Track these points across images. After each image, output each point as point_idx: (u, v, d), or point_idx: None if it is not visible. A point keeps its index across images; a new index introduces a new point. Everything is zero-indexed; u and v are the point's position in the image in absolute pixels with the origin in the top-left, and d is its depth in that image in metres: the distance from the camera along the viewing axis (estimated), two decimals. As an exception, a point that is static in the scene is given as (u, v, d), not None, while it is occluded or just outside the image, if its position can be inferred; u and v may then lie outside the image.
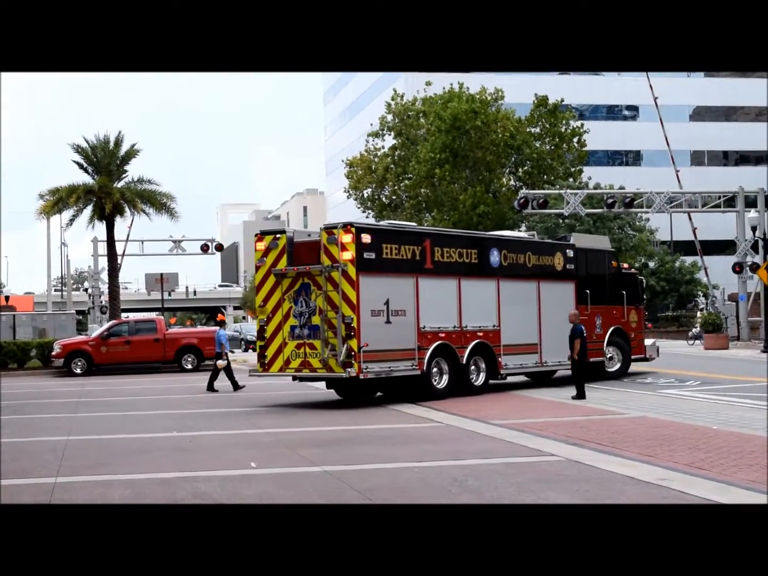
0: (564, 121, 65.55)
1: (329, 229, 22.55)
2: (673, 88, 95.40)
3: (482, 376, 25.33)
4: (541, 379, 28.80)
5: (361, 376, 22.03)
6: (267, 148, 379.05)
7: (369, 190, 72.29)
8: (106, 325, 46.24)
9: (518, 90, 74.10)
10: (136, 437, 17.83)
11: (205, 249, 58.95)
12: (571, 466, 12.95)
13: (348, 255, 21.99)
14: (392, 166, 69.56)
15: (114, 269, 55.65)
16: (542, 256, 27.61)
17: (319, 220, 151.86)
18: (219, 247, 60.89)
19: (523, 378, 28.98)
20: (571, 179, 63.41)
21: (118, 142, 57.17)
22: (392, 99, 70.54)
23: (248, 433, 18.16)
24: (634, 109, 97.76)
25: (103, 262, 57.87)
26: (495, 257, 26.04)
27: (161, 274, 60.20)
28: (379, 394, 25.18)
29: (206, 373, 40.48)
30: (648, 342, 32.50)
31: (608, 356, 29.69)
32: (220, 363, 29.21)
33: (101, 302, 59.51)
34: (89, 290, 64.71)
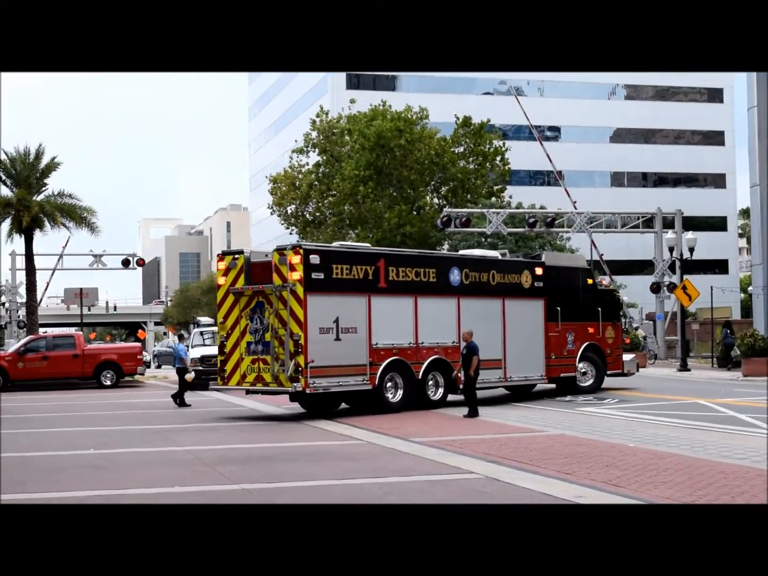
0: (488, 141, 66.10)
1: (280, 251, 23.53)
2: (594, 110, 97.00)
3: (440, 391, 25.89)
4: (521, 392, 29.59)
5: (308, 391, 22.89)
6: (190, 163, 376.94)
7: (293, 206, 72.09)
8: (23, 340, 45.44)
9: (442, 110, 74.64)
10: (53, 455, 17.57)
11: (126, 264, 58.38)
12: (490, 484, 13.04)
13: (296, 275, 22.94)
14: (316, 182, 69.47)
15: (32, 283, 54.87)
16: (508, 275, 28.06)
17: (243, 236, 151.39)
18: (140, 262, 60.36)
19: (499, 392, 29.70)
20: (493, 198, 63.93)
21: (39, 155, 56.50)
22: (317, 116, 70.54)
23: (167, 450, 17.99)
24: (556, 129, 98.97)
25: (21, 276, 57.03)
26: (455, 276, 26.61)
27: (80, 289, 59.39)
28: (344, 405, 25.60)
29: (126, 389, 40.11)
30: (627, 357, 33.12)
31: (582, 371, 30.19)
32: (189, 376, 29.46)
33: (18, 317, 58.60)
34: (6, 304, 63.63)
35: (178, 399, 29.00)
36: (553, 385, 30.26)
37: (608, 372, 31.21)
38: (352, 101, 69.80)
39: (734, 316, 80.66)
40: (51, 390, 39.71)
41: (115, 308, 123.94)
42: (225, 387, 24.91)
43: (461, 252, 31.61)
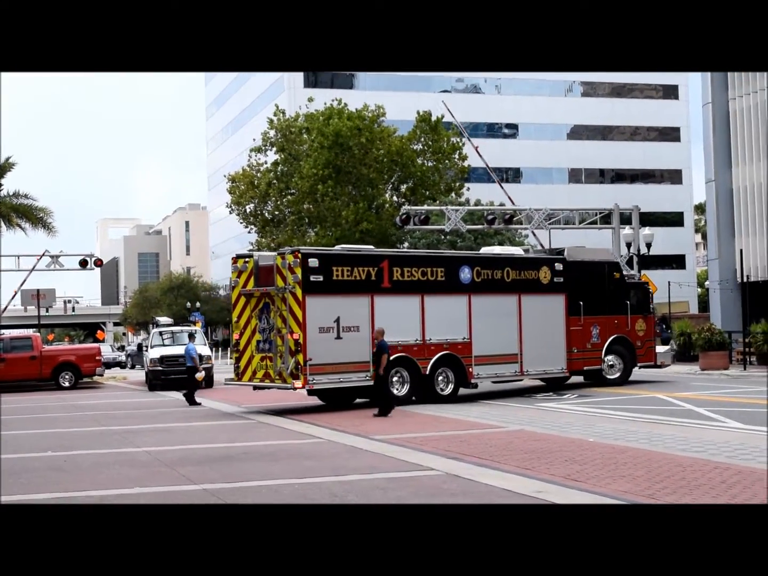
0: (446, 138, 66.12)
1: (282, 254, 24.86)
2: (551, 107, 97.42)
3: (450, 386, 26.76)
4: (553, 384, 30.46)
5: (307, 387, 24.27)
6: (148, 163, 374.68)
7: (251, 205, 71.75)
8: (-21, 343, 44.91)
9: (400, 108, 74.66)
10: (10, 457, 17.37)
11: (83, 264, 57.81)
12: (451, 480, 13.04)
13: (295, 278, 24.14)
14: (275, 181, 69.17)
15: (-12, 285, 54.29)
16: (524, 271, 28.68)
17: (202, 235, 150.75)
18: (98, 263, 59.74)
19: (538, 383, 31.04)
20: (452, 195, 63.98)
21: (-7, 155, 55.86)
22: (274, 114, 70.27)
23: (126, 451, 17.85)
24: (513, 126, 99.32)
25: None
26: (466, 274, 27.36)
27: (38, 290, 58.90)
28: (359, 400, 26.33)
29: (85, 391, 39.78)
30: (661, 349, 33.68)
31: (609, 364, 30.62)
32: (200, 375, 29.85)
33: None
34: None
35: (190, 398, 28.96)
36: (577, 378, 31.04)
37: (640, 364, 31.67)
38: (310, 99, 69.61)
39: (692, 311, 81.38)
40: (8, 392, 39.25)
41: (73, 309, 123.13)
42: (239, 383, 26.22)
43: (483, 250, 32.30)
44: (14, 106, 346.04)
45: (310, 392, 25.77)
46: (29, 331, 77.79)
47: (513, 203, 53.10)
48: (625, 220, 44.07)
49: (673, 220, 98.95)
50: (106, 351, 76.55)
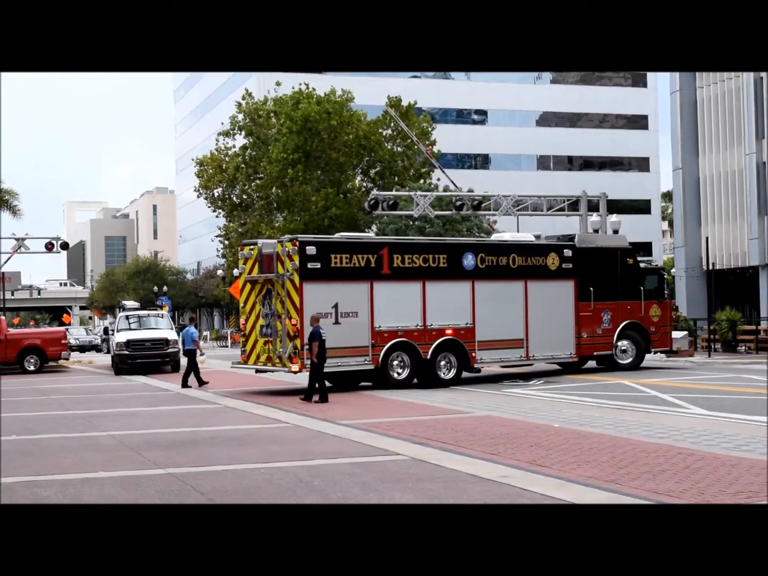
0: (416, 124, 66.03)
1: (282, 242, 25.68)
2: (520, 94, 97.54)
3: (452, 371, 27.23)
4: (571, 368, 30.67)
5: (304, 371, 24.44)
6: (116, 146, 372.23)
7: (219, 189, 71.49)
8: (-57, 326, 44.53)
9: (369, 93, 74.49)
10: (-26, 441, 17.26)
11: (49, 247, 57.29)
12: (417, 465, 13.08)
13: (293, 265, 24.91)
14: (243, 165, 68.93)
15: (-47, 268, 53.87)
16: (531, 257, 29.08)
17: (170, 219, 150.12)
18: (64, 246, 59.25)
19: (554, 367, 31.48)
20: (421, 181, 63.96)
21: (-42, 137, 55.38)
22: (243, 98, 69.98)
23: (91, 435, 17.77)
24: (482, 113, 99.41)
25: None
26: (470, 260, 27.83)
27: (2, 273, 58.41)
28: (364, 383, 27.02)
29: (50, 374, 39.54)
30: (678, 335, 34.02)
31: (622, 349, 30.86)
32: (202, 359, 30.27)
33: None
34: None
35: (186, 380, 29.00)
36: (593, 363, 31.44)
37: (655, 350, 31.94)
38: (278, 84, 69.32)
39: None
40: (-27, 376, 39.00)
41: (39, 292, 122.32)
42: (245, 366, 27.07)
43: (492, 237, 32.61)
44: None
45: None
46: (-6, 315, 77.23)
47: (457, 188, 53.20)
48: (593, 207, 44.14)
49: (641, 207, 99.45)
50: (81, 334, 76.10)
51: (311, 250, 25.29)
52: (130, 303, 50.22)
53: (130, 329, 40.15)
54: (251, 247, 26.80)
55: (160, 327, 40.56)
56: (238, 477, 12.55)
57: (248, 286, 26.72)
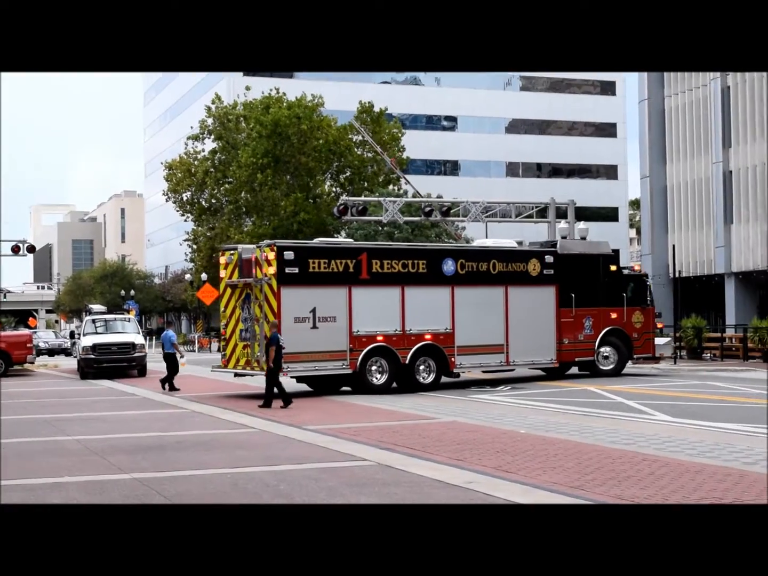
0: (387, 131, 66.06)
1: (260, 247, 25.90)
2: (490, 101, 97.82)
3: (431, 376, 27.37)
4: (554, 373, 30.68)
5: (281, 374, 24.11)
6: (84, 148, 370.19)
7: (188, 193, 71.30)
8: None
9: (339, 98, 74.49)
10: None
11: (16, 250, 56.92)
12: (383, 471, 13.07)
13: (271, 270, 25.22)
14: (212, 170, 68.79)
15: None
16: (511, 263, 29.14)
17: (137, 222, 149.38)
18: (31, 249, 58.87)
19: (535, 372, 31.46)
20: (390, 187, 63.99)
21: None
22: (212, 102, 69.83)
23: (56, 440, 17.65)
24: (452, 119, 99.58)
25: None
26: (449, 266, 27.97)
27: (-31, 276, 57.89)
28: (344, 388, 27.03)
29: (15, 378, 39.20)
30: (661, 341, 34.18)
31: (604, 355, 30.89)
32: (183, 361, 30.09)
33: None
34: None
35: (165, 383, 28.91)
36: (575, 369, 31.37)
37: (637, 356, 31.95)
38: (248, 88, 69.23)
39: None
40: (-63, 379, 38.63)
41: (5, 295, 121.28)
42: (225, 369, 27.24)
43: (475, 243, 32.63)
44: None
45: (299, 379, 27.06)
46: (-41, 318, 76.53)
47: (420, 195, 53.33)
48: (561, 214, 44.31)
49: (608, 215, 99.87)
50: (50, 338, 75.39)
51: (289, 255, 25.46)
52: (96, 307, 49.87)
53: (96, 333, 39.89)
54: (231, 252, 27.07)
55: (127, 331, 40.31)
56: (203, 482, 12.51)
57: (228, 290, 26.95)
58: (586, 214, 74.18)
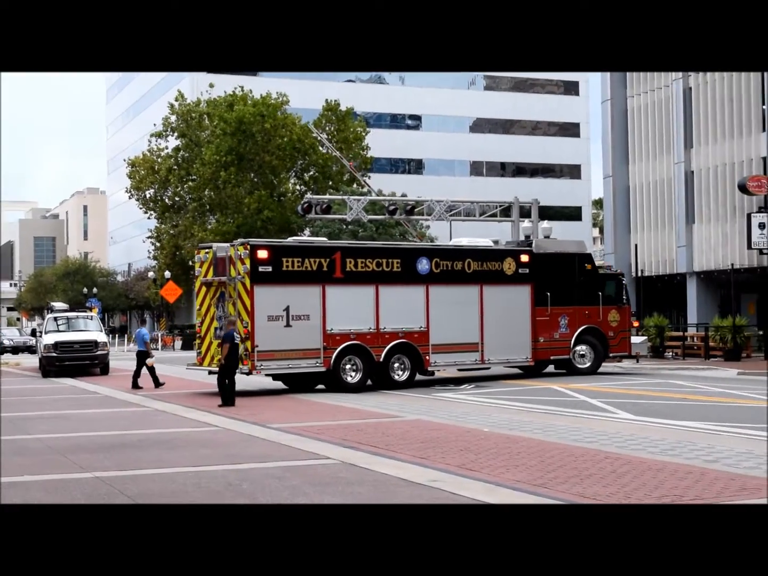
0: (352, 129, 66.06)
1: (235, 246, 25.92)
2: (454, 100, 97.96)
3: (406, 374, 27.48)
4: (531, 372, 30.89)
5: (254, 373, 25.37)
6: (46, 145, 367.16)
7: (151, 191, 71.00)
8: None
9: (303, 96, 74.36)
10: None
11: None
12: (346, 469, 13.05)
13: (245, 268, 25.24)
14: (175, 167, 68.56)
15: None
16: (486, 262, 29.26)
17: (100, 220, 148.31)
18: (-8, 246, 58.51)
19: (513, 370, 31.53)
20: (355, 185, 64.01)
21: None
22: (176, 99, 69.51)
23: (17, 439, 17.47)
24: (417, 118, 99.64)
25: None
26: (424, 265, 28.12)
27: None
28: (319, 386, 27.14)
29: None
30: (637, 340, 34.34)
31: (580, 354, 31.00)
32: (150, 361, 29.69)
33: None
34: None
35: (134, 381, 29.11)
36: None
37: (612, 354, 32.19)
38: (211, 86, 68.99)
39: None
40: None
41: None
42: (200, 367, 27.21)
43: (453, 241, 32.40)
44: None
45: (274, 377, 27.23)
46: None
47: (376, 194, 53.41)
48: (525, 213, 44.49)
49: (572, 214, 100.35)
50: (14, 335, 74.65)
51: (263, 253, 25.57)
52: (58, 304, 49.52)
53: (58, 331, 39.58)
54: (207, 250, 27.12)
55: (90, 329, 40.03)
56: (166, 481, 12.44)
57: (204, 288, 27.00)
58: (549, 213, 74.58)
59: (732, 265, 44.05)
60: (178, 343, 67.47)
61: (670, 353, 41.49)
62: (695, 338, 43.72)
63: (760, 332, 41.68)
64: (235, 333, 23.17)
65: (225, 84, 69.82)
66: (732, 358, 38.29)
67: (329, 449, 14.95)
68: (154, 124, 74.09)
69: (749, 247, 43.38)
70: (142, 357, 29.27)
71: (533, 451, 14.33)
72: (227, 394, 22.65)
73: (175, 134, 69.15)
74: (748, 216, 43.46)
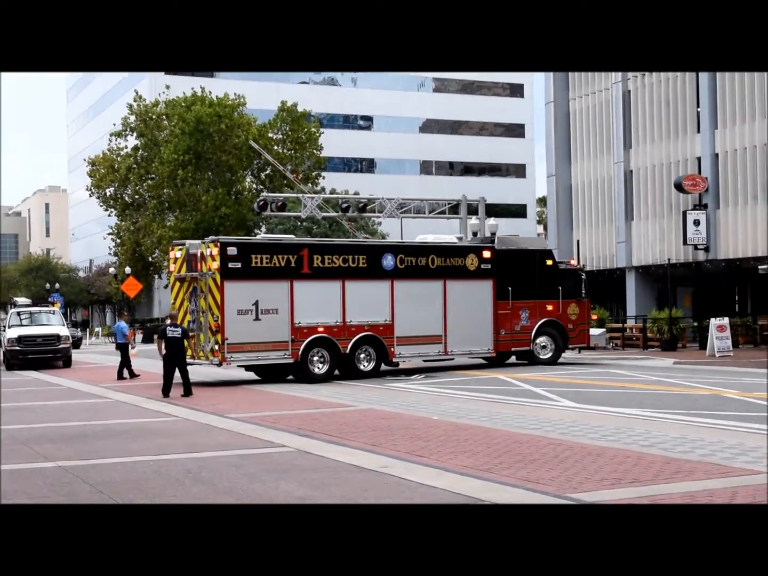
0: (305, 130, 65.89)
1: (206, 243, 26.15)
2: (405, 101, 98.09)
3: (371, 364, 27.77)
4: (495, 362, 31.11)
5: (225, 365, 25.67)
6: (6, 143, 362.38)
7: (111, 189, 70.42)
8: None
9: (259, 97, 74.09)
10: None
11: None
12: (302, 457, 13.07)
13: (215, 264, 25.48)
14: (135, 166, 68.02)
15: None
16: (450, 258, 29.37)
17: (62, 217, 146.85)
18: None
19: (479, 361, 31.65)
20: (309, 184, 63.89)
21: None
22: (134, 100, 68.98)
23: (-19, 430, 17.29)
24: (368, 119, 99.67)
25: None
26: (389, 261, 28.27)
27: None
28: (290, 377, 27.26)
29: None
30: (596, 332, 34.64)
31: (541, 345, 31.15)
32: (133, 352, 30.15)
33: None
34: None
35: (125, 371, 29.22)
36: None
37: (572, 346, 32.47)
38: (168, 87, 68.53)
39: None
40: None
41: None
42: None
43: (418, 238, 32.38)
44: None
45: (247, 368, 27.58)
46: None
47: (305, 191, 53.29)
48: (473, 210, 44.72)
49: (517, 211, 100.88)
50: None
51: (232, 250, 25.75)
52: (21, 299, 49.17)
53: (21, 325, 39.29)
54: (180, 247, 27.30)
55: (52, 323, 39.75)
56: (127, 469, 12.39)
57: (177, 284, 27.18)
58: (496, 210, 74.91)
59: (669, 260, 44.51)
60: (140, 337, 66.95)
61: (611, 344, 41.85)
62: (634, 329, 44.13)
63: (695, 324, 42.21)
64: (170, 328, 23.10)
65: (182, 85, 69.40)
66: (668, 348, 38.72)
67: (285, 438, 14.96)
68: (114, 124, 73.46)
69: (685, 243, 43.97)
70: (123, 349, 29.25)
71: (480, 437, 14.41)
72: (168, 385, 22.74)
73: (134, 134, 68.60)
74: (684, 213, 44.03)
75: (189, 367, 27.15)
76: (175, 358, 22.85)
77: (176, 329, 23.15)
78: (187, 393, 22.57)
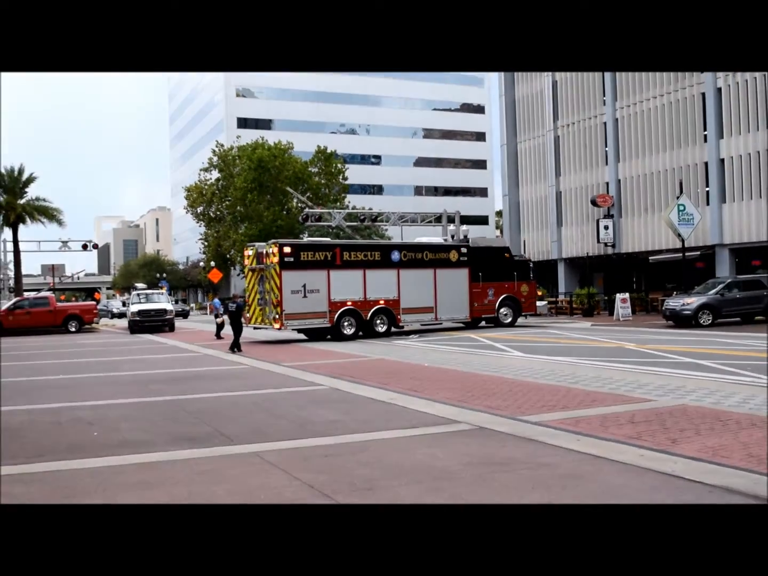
0: (334, 165, 65.50)
1: (269, 244, 26.20)
2: (403, 145, 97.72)
3: (384, 327, 27.54)
4: (470, 325, 30.64)
5: (282, 328, 25.67)
6: (127, 179, 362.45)
7: (201, 207, 70.15)
8: (12, 301, 43.02)
9: (302, 143, 73.76)
10: (30, 380, 16.65)
11: (85, 247, 55.70)
12: (334, 392, 13.04)
13: (276, 259, 25.61)
14: (217, 191, 67.75)
15: (18, 262, 52.08)
16: (438, 253, 29.27)
17: (167, 229, 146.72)
18: (95, 246, 57.68)
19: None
20: (338, 203, 63.60)
21: (21, 172, 53.80)
22: (216, 146, 68.70)
23: (111, 375, 17.22)
24: (378, 157, 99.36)
25: (10, 257, 53.94)
26: (395, 255, 28.13)
27: (53, 265, 56.57)
28: (328, 336, 26.91)
29: (86, 334, 38.47)
30: (541, 304, 35.49)
31: (503, 313, 30.94)
32: (219, 320, 30.39)
33: (9, 285, 55.47)
34: (1, 276, 59.97)
35: (218, 334, 29.63)
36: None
37: (524, 314, 31.92)
38: (238, 137, 68.21)
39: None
40: (32, 335, 37.75)
41: (78, 278, 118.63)
42: (249, 325, 26.96)
43: (417, 239, 32.28)
44: (23, 113, 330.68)
45: (299, 331, 27.26)
46: (47, 293, 74.65)
47: (335, 208, 52.97)
48: (451, 220, 44.46)
49: (482, 221, 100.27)
50: (119, 305, 72.00)
51: (287, 249, 25.81)
52: (140, 285, 49.09)
53: (140, 303, 39.39)
54: (252, 247, 27.46)
55: (161, 301, 39.92)
56: (213, 402, 12.37)
57: (250, 273, 27.16)
58: (468, 220, 73.60)
59: (587, 253, 44.35)
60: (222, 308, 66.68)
61: (549, 312, 41.66)
62: (563, 302, 43.97)
63: (606, 297, 42.03)
64: (231, 304, 24.03)
65: (249, 135, 69.01)
66: (588, 315, 38.55)
67: (322, 379, 14.93)
68: (203, 163, 73.06)
69: (598, 241, 43.72)
70: (235, 317, 28.74)
71: (457, 378, 14.36)
72: (236, 342, 22.92)
73: (217, 169, 68.31)
74: (597, 221, 43.77)
75: (259, 330, 27.44)
76: (234, 324, 23.19)
77: (233, 304, 23.82)
78: (233, 348, 22.52)
